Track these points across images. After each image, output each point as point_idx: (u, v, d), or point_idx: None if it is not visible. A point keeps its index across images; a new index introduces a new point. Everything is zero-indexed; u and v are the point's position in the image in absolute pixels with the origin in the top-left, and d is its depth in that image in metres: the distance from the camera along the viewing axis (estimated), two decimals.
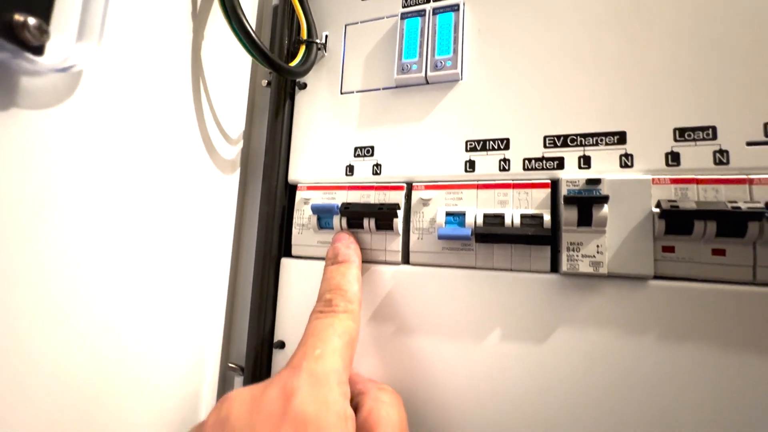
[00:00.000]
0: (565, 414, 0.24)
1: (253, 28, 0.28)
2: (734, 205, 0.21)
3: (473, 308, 0.27)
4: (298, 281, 0.33)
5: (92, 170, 0.23)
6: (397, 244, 0.30)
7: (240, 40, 0.28)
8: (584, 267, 0.24)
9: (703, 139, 0.24)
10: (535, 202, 0.27)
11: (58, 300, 0.21)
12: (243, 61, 0.36)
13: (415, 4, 0.33)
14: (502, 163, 0.28)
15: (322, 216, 0.32)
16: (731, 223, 0.22)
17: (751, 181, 0.23)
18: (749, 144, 0.23)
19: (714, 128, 0.24)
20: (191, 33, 0.30)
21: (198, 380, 0.32)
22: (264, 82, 0.36)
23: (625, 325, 0.24)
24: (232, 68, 0.34)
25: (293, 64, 0.33)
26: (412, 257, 0.30)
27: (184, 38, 0.29)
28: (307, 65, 0.33)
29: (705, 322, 0.22)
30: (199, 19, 0.30)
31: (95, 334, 0.23)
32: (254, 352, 0.33)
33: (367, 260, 0.31)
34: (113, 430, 0.24)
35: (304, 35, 0.34)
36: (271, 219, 0.34)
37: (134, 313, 0.26)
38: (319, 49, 0.35)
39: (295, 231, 0.34)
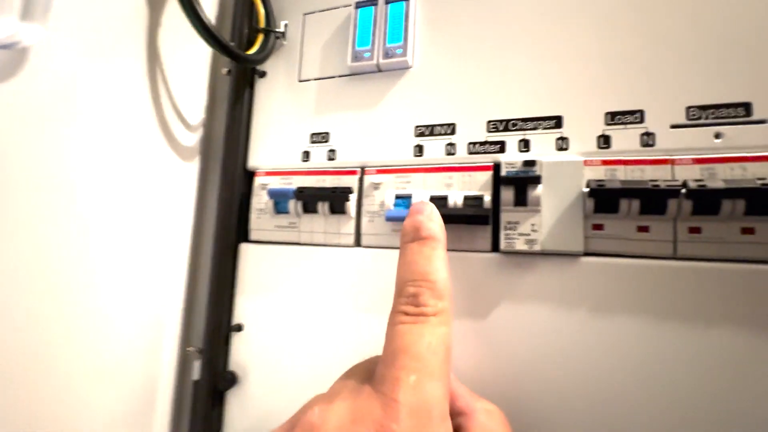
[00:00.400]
0: (505, 384, 0.25)
1: (207, 15, 0.28)
2: (654, 183, 0.23)
3: None
4: (256, 265, 0.34)
5: (43, 151, 0.23)
6: (350, 227, 0.31)
7: (194, 26, 0.28)
8: (520, 245, 0.25)
9: (632, 122, 0.25)
10: (478, 185, 0.28)
11: (14, 278, 0.21)
12: (202, 49, 0.36)
13: None
14: (448, 147, 0.29)
15: (279, 200, 0.33)
16: (652, 200, 0.23)
17: (673, 162, 0.24)
18: (673, 127, 0.24)
19: (642, 112, 0.25)
20: (147, 19, 0.30)
21: (156, 362, 0.32)
22: (224, 71, 0.36)
23: (559, 299, 0.25)
24: (192, 56, 0.35)
25: (251, 52, 0.34)
26: (364, 239, 0.30)
27: (140, 24, 0.29)
28: (264, 53, 0.34)
29: (631, 295, 0.24)
30: (156, 6, 0.31)
31: (50, 314, 0.23)
32: (212, 335, 0.33)
33: (321, 243, 0.32)
34: (67, 412, 0.25)
35: (262, 23, 0.34)
36: (229, 204, 0.34)
37: (90, 295, 0.26)
38: (277, 37, 0.36)
39: (253, 216, 0.34)
